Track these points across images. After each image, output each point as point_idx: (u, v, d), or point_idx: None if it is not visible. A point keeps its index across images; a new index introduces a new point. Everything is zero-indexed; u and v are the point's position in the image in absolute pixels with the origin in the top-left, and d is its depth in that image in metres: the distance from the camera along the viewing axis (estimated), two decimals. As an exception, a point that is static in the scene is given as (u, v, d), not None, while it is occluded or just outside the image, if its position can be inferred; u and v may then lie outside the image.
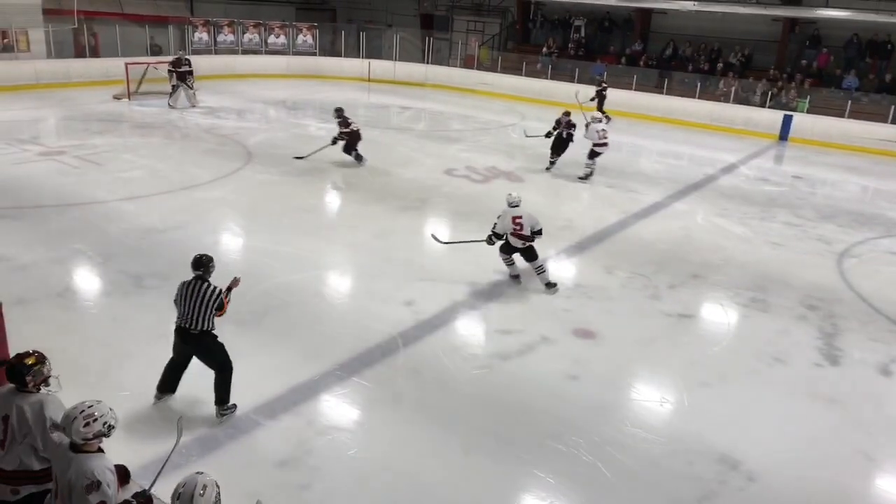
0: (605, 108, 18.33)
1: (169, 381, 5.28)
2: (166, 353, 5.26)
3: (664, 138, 18.48)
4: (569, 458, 5.07)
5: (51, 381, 3.55)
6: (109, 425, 3.16)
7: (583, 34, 24.67)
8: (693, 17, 22.04)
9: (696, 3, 21.18)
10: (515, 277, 8.07)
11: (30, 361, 3.44)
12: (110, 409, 3.19)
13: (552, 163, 13.42)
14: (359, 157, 12.83)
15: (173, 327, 5.12)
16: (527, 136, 14.04)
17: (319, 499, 4.47)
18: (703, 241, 10.18)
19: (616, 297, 8.01)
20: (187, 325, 4.96)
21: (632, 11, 23.66)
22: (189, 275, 5.05)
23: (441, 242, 8.60)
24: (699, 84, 20.38)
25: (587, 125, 12.70)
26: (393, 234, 9.53)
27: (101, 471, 3.04)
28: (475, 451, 5.10)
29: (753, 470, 5.07)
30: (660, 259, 9.20)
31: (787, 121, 18.85)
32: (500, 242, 7.88)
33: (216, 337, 5.07)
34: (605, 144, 12.61)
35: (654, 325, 7.37)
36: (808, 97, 19.09)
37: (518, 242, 7.73)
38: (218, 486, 2.99)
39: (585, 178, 12.89)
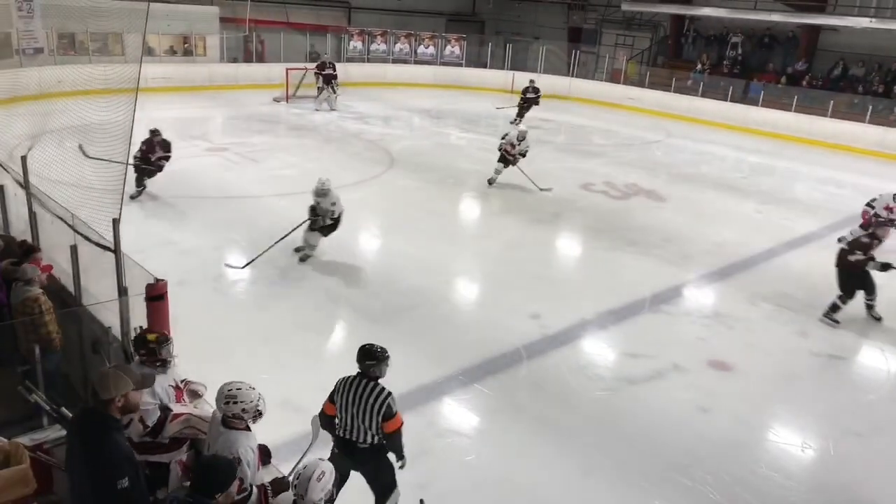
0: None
1: None
2: (303, 343, 5.46)
3: (825, 164, 17.07)
4: (694, 494, 4.81)
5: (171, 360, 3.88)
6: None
7: (739, 51, 23.40)
8: (869, 34, 20.20)
9: (873, 19, 19.44)
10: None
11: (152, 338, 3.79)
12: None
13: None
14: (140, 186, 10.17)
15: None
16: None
17: (435, 500, 4.50)
18: (864, 277, 9.29)
19: (758, 329, 7.50)
20: (353, 438, 3.97)
21: (797, 28, 22.12)
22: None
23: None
24: (871, 107, 18.69)
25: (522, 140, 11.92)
26: (523, 245, 9.51)
27: (244, 449, 3.25)
28: (593, 473, 4.98)
29: (907, 536, 4.57)
30: (811, 293, 8.50)
31: (975, 151, 16.85)
32: None
33: (387, 453, 4.08)
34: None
35: (800, 364, 6.84)
36: None
37: None
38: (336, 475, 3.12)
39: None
